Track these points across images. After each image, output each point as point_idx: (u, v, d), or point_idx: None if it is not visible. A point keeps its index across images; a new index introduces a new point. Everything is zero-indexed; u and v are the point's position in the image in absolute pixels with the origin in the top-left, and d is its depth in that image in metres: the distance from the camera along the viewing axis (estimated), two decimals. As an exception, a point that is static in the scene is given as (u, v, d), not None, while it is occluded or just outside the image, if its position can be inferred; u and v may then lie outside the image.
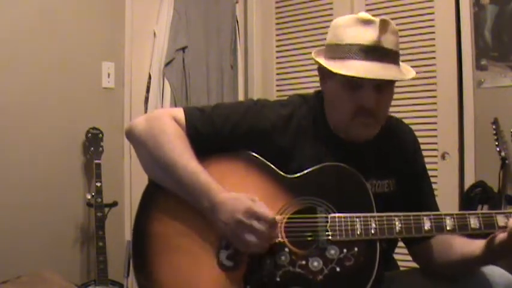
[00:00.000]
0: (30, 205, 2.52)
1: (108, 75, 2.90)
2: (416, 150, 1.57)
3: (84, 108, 2.78)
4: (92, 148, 2.67)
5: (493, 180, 2.58)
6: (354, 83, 1.36)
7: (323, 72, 1.44)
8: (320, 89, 1.53)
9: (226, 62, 3.44)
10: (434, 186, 2.69)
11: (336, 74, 1.37)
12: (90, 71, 2.83)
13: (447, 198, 2.78)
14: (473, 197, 2.66)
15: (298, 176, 1.39)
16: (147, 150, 1.41)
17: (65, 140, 2.70)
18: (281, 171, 1.40)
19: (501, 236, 1.28)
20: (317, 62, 1.43)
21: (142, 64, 3.10)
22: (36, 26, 2.60)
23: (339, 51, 1.37)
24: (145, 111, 3.04)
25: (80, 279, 2.70)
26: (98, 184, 2.61)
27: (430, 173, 2.88)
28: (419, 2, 3.01)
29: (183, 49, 3.17)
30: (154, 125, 1.42)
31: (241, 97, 3.52)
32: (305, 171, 1.39)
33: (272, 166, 1.40)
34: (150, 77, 3.10)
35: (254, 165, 1.41)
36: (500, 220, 1.30)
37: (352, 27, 1.37)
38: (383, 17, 1.38)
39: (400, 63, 1.42)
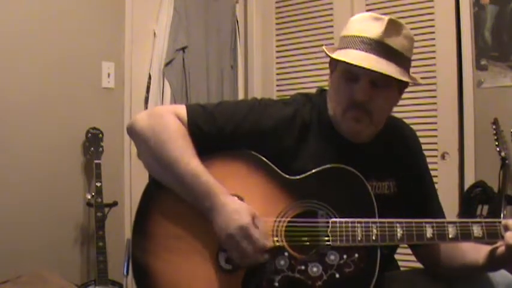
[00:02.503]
0: (30, 205, 2.52)
1: (108, 75, 2.90)
2: (418, 152, 1.56)
3: (84, 108, 2.78)
4: (92, 148, 2.67)
5: (493, 180, 2.57)
6: (350, 75, 1.36)
7: (330, 65, 1.46)
8: (322, 87, 1.53)
9: (226, 62, 3.44)
10: (434, 186, 2.71)
11: (338, 66, 1.39)
12: (90, 71, 2.83)
13: (447, 198, 2.77)
14: (473, 197, 2.66)
15: (300, 178, 1.38)
16: (148, 147, 1.39)
17: (65, 140, 2.70)
18: (283, 171, 1.38)
19: (501, 248, 1.28)
20: (324, 52, 1.43)
21: (142, 64, 3.10)
22: (36, 26, 2.60)
23: (344, 41, 1.38)
24: (145, 111, 3.04)
25: (80, 279, 2.70)
26: (98, 184, 2.61)
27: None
28: (419, 2, 3.02)
29: (183, 49, 3.17)
30: (157, 122, 1.40)
31: (241, 97, 3.52)
32: (307, 173, 1.37)
33: (274, 167, 1.39)
34: (150, 77, 3.10)
35: (256, 165, 1.39)
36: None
37: (362, 22, 1.37)
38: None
39: (411, 73, 1.41)
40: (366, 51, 1.33)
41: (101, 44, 2.87)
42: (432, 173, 1.59)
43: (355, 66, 1.31)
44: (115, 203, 2.70)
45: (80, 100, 2.77)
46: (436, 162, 2.90)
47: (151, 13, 3.16)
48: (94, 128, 2.71)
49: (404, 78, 1.35)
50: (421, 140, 1.61)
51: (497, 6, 2.82)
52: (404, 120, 1.62)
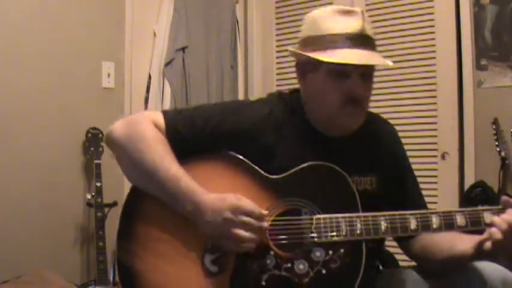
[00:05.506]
0: (30, 205, 2.52)
1: (108, 75, 2.90)
2: (397, 145, 1.56)
3: (84, 108, 2.78)
4: (92, 148, 2.68)
5: (493, 180, 2.58)
6: (341, 72, 1.36)
7: (304, 66, 1.45)
8: (292, 88, 1.53)
9: (226, 62, 3.44)
10: (434, 186, 2.71)
11: (321, 66, 1.38)
12: (90, 71, 2.83)
13: (447, 198, 2.78)
14: (473, 197, 2.66)
15: (281, 177, 1.38)
16: (127, 155, 1.40)
17: (65, 140, 2.70)
18: (264, 170, 1.38)
19: (488, 243, 1.27)
20: (301, 55, 1.42)
21: (142, 64, 3.10)
22: (36, 26, 2.60)
23: (324, 42, 1.37)
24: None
25: (80, 279, 2.70)
26: (98, 184, 2.61)
27: (430, 173, 2.87)
28: (419, 2, 3.02)
29: (183, 49, 3.17)
30: (134, 129, 1.40)
31: (241, 97, 3.52)
32: (289, 172, 1.38)
33: (255, 167, 1.39)
34: (150, 77, 3.10)
35: (237, 166, 1.39)
36: (487, 217, 1.30)
37: (333, 18, 1.38)
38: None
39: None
40: (354, 48, 1.34)
41: (101, 44, 2.87)
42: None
43: (344, 62, 1.31)
44: (115, 203, 2.70)
45: (80, 100, 2.77)
46: (436, 162, 2.89)
47: (151, 13, 3.16)
48: (94, 128, 2.71)
49: (391, 64, 1.39)
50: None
51: (497, 6, 2.82)
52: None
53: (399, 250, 1.55)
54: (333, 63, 1.33)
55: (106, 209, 2.61)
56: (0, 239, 2.39)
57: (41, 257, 2.52)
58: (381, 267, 1.51)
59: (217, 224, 1.29)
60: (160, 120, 1.42)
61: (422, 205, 1.52)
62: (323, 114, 1.42)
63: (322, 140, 1.44)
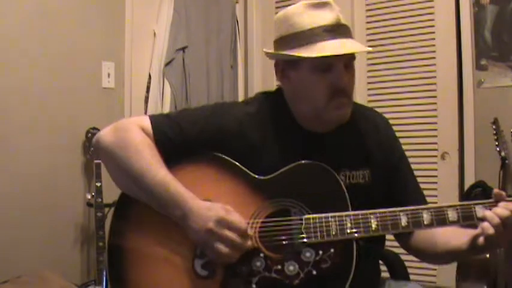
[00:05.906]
0: (30, 205, 2.52)
1: (108, 75, 2.90)
2: (391, 139, 1.53)
3: (84, 108, 2.78)
4: (92, 148, 2.67)
5: (493, 180, 2.57)
6: (324, 65, 1.35)
7: (284, 66, 1.43)
8: (278, 86, 1.52)
9: (226, 62, 3.44)
10: (434, 186, 2.71)
11: (302, 63, 1.36)
12: (90, 71, 2.83)
13: (447, 198, 2.77)
14: (473, 197, 2.65)
15: (270, 177, 1.37)
16: (115, 162, 1.39)
17: (65, 140, 2.70)
18: (252, 170, 1.37)
19: (480, 239, 1.27)
20: (280, 55, 1.41)
21: (142, 64, 3.10)
22: (36, 26, 2.60)
23: (302, 38, 1.35)
24: (145, 111, 3.05)
25: (80, 279, 2.70)
26: (98, 184, 2.61)
27: (430, 173, 2.87)
28: (419, 2, 3.02)
29: (183, 49, 3.17)
30: (121, 135, 1.39)
31: (241, 97, 3.53)
32: (277, 172, 1.37)
33: (243, 168, 1.38)
34: (150, 77, 3.10)
35: (225, 168, 1.38)
36: (479, 211, 1.28)
37: (306, 13, 1.37)
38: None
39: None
40: (334, 39, 1.33)
41: (101, 44, 2.87)
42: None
43: (331, 54, 1.31)
44: (115, 203, 2.69)
45: (80, 100, 2.77)
46: (436, 162, 2.89)
47: (151, 13, 3.16)
48: (94, 128, 2.71)
49: (371, 49, 1.42)
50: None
51: (497, 6, 2.82)
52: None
53: (406, 253, 1.54)
54: (319, 56, 1.31)
55: (106, 209, 2.61)
56: (0, 239, 2.39)
57: (41, 257, 2.52)
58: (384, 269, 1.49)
59: (200, 233, 1.28)
60: (148, 124, 1.41)
61: (419, 195, 1.51)
62: (310, 111, 1.41)
63: (310, 137, 1.43)
